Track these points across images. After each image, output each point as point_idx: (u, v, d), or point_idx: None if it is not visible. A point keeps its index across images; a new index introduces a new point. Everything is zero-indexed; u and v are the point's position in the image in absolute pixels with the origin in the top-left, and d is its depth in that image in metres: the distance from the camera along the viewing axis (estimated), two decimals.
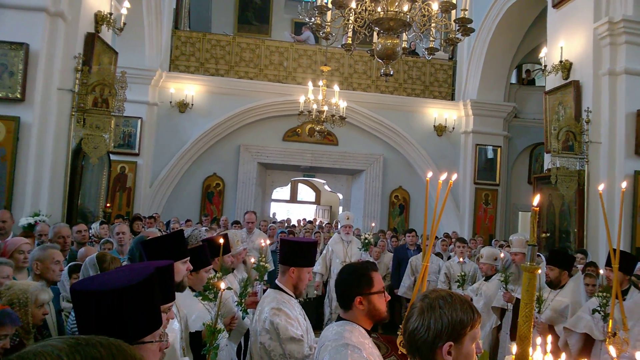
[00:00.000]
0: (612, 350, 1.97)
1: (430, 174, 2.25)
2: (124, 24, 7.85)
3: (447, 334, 1.46)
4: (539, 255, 6.49)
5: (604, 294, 3.91)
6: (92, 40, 7.20)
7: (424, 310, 1.50)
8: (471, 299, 5.94)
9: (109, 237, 5.91)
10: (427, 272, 2.14)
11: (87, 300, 1.36)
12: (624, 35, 7.29)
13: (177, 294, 2.66)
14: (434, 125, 12.51)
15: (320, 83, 9.13)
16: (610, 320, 2.47)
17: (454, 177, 2.12)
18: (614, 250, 2.71)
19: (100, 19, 7.42)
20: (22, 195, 6.38)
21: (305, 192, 19.82)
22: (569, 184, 7.42)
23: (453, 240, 8.98)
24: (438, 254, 8.40)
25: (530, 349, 1.76)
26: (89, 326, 1.34)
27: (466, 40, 11.83)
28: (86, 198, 7.32)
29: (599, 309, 3.95)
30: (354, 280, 2.27)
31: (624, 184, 2.80)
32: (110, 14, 7.55)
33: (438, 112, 12.57)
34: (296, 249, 3.09)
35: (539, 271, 1.42)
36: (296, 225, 13.05)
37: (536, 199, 1.45)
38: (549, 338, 1.72)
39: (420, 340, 1.48)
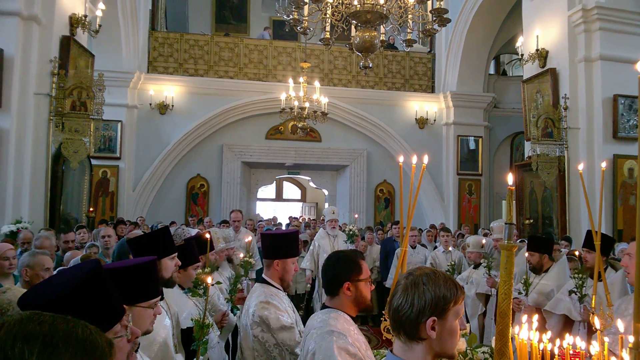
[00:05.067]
0: (597, 322, 2.01)
1: (401, 159, 2.27)
2: (100, 26, 7.76)
3: (430, 310, 1.47)
4: (522, 241, 6.59)
5: (580, 275, 3.97)
6: (67, 43, 7.11)
7: (407, 287, 1.52)
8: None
9: (92, 241, 5.84)
10: (406, 257, 2.16)
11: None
12: (597, 22, 7.41)
13: (168, 291, 2.66)
14: (416, 118, 12.59)
15: (301, 80, 9.12)
16: (594, 297, 2.52)
17: (426, 159, 2.14)
18: (596, 230, 2.76)
19: (75, 22, 7.32)
20: (3, 203, 6.28)
21: (290, 190, 19.80)
22: (549, 170, 7.54)
23: (438, 230, 9.05)
24: (424, 246, 8.45)
25: (517, 328, 1.79)
26: None
27: (444, 33, 11.96)
28: (68, 203, 7.23)
29: (575, 290, 4.02)
30: (343, 266, 2.28)
31: (603, 164, 2.85)
32: (85, 16, 7.45)
33: (419, 104, 12.65)
34: (277, 240, 3.08)
35: (515, 249, 1.44)
36: (282, 223, 13.03)
37: (510, 178, 1.48)
38: (536, 316, 1.75)
39: (404, 316, 1.50)
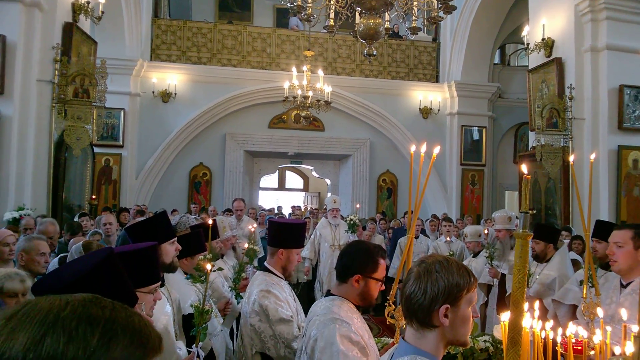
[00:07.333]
0: (600, 312, 2.01)
1: (413, 147, 2.24)
2: (102, 12, 7.71)
3: (443, 297, 1.48)
4: None
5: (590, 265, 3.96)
6: (70, 29, 7.07)
7: (420, 274, 1.52)
8: None
9: (96, 228, 5.85)
10: (413, 245, 2.14)
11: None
12: (604, 12, 7.33)
13: (171, 278, 2.65)
14: (419, 108, 12.52)
15: (304, 68, 9.06)
16: (585, 287, 2.53)
17: (437, 149, 2.11)
18: (590, 220, 2.76)
19: (77, 8, 7.28)
20: (6, 190, 6.30)
21: (293, 179, 19.80)
22: (553, 161, 7.50)
23: (440, 220, 9.04)
24: (427, 236, 8.45)
25: None
26: None
27: (449, 22, 11.85)
28: (71, 191, 7.23)
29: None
30: (361, 258, 2.26)
31: (592, 155, 2.85)
32: (88, 2, 7.40)
33: (423, 94, 12.58)
34: (285, 230, 3.07)
35: (530, 238, 1.43)
36: (284, 215, 13.03)
37: (524, 167, 1.46)
38: (537, 304, 1.75)
39: (417, 304, 1.50)
